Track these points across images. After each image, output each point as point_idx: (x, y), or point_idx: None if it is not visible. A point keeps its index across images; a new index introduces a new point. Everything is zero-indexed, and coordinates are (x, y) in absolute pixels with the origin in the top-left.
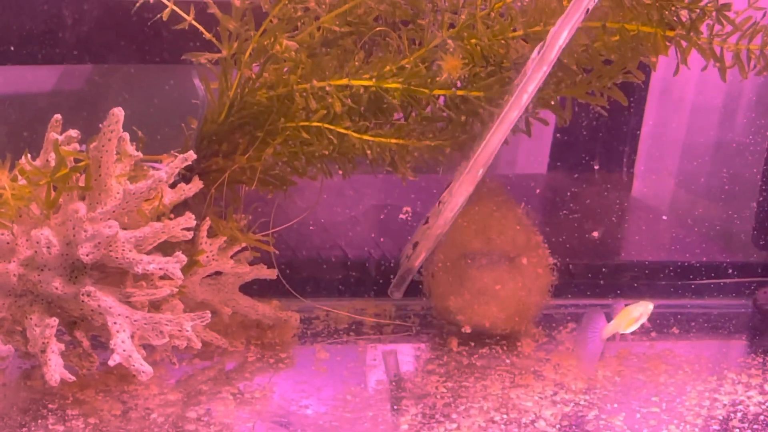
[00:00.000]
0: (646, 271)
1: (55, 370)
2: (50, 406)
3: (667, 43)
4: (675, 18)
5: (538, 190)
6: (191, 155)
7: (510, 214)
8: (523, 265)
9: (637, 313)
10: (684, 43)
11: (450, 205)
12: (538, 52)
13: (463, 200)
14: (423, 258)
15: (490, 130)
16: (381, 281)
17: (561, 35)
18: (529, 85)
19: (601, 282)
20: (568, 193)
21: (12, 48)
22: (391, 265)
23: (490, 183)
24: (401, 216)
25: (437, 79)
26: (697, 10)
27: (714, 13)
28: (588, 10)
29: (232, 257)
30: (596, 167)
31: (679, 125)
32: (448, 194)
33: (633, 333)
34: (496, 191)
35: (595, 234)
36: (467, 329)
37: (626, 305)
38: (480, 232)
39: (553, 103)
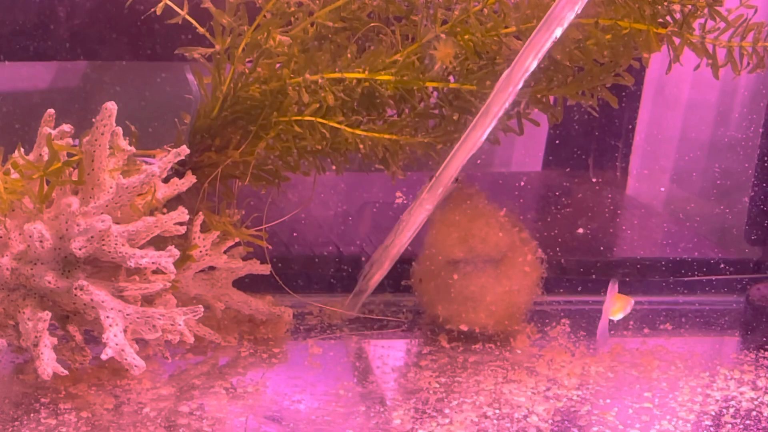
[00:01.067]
0: (639, 267)
1: (48, 363)
2: (43, 399)
3: (660, 41)
4: (668, 16)
5: (532, 188)
6: (184, 150)
7: (492, 220)
8: (509, 268)
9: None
10: (677, 40)
11: (408, 224)
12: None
13: (422, 220)
14: (378, 278)
15: (452, 151)
16: None
17: (526, 60)
18: (493, 107)
19: (594, 278)
20: (563, 191)
21: (5, 44)
22: None
23: (469, 189)
24: (396, 201)
25: (428, 73)
26: (689, 6)
27: (706, 10)
28: (555, 37)
29: (225, 252)
30: (593, 179)
31: (673, 122)
32: (408, 214)
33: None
34: (475, 196)
35: (581, 230)
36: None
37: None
38: (462, 240)
39: (544, 101)
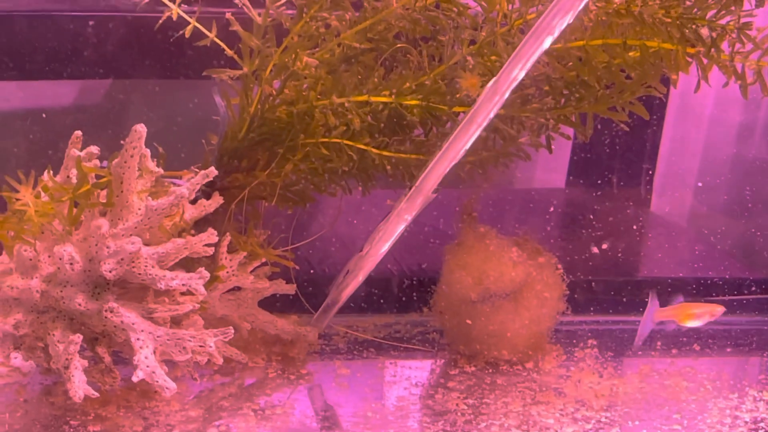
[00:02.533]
0: (669, 288)
1: (79, 386)
2: (72, 422)
3: (689, 59)
4: (695, 36)
5: (555, 205)
6: (212, 171)
7: (504, 258)
8: (527, 299)
9: (697, 309)
10: (705, 60)
11: (385, 234)
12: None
13: (399, 230)
14: (352, 289)
15: (433, 160)
16: (403, 298)
17: (513, 70)
18: (477, 116)
19: (624, 299)
20: (587, 208)
21: (34, 63)
22: (414, 281)
23: (480, 228)
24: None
25: (457, 95)
26: (719, 29)
27: (735, 31)
28: (544, 48)
29: (251, 272)
30: (618, 196)
31: (698, 141)
32: (385, 224)
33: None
34: (486, 236)
35: (605, 246)
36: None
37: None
38: (477, 282)
39: (573, 119)
